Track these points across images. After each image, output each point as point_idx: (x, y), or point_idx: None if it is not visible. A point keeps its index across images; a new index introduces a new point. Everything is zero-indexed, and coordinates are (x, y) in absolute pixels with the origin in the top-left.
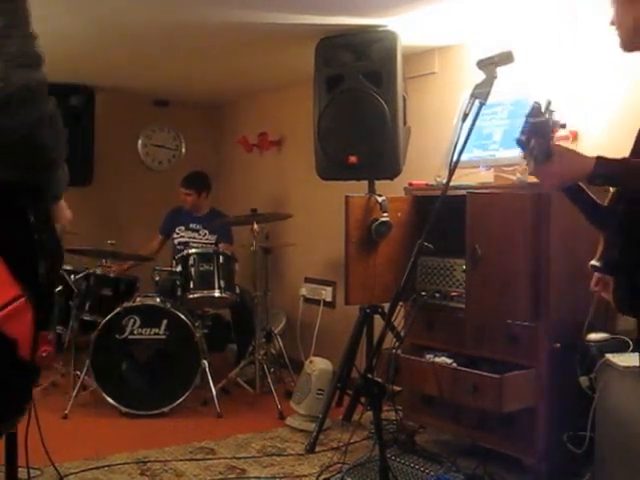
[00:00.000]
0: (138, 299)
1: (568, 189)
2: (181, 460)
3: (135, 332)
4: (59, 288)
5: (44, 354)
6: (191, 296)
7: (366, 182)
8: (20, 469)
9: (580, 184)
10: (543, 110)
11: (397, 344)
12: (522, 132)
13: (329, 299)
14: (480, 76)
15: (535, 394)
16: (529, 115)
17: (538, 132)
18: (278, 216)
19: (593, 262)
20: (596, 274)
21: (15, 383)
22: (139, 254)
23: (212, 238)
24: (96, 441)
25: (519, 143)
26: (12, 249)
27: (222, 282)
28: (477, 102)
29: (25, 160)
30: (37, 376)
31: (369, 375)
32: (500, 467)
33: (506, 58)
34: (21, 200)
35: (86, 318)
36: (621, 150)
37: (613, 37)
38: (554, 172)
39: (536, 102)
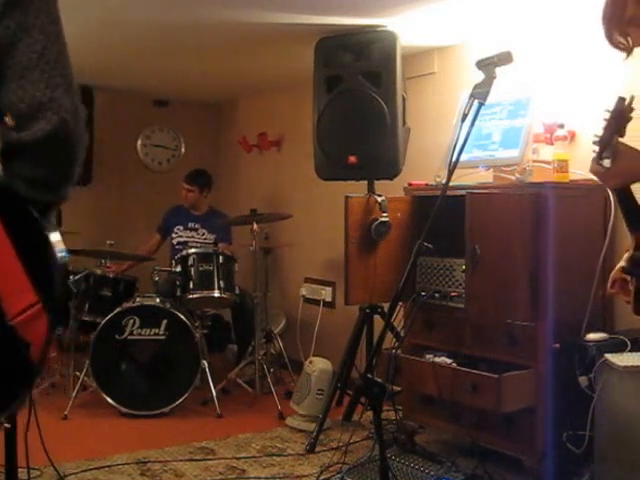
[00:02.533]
0: (138, 299)
1: (620, 189)
2: (181, 460)
3: (135, 332)
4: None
5: (51, 355)
6: (191, 296)
7: (365, 182)
8: (20, 469)
9: (630, 187)
10: (626, 106)
11: (397, 344)
12: (605, 127)
13: (329, 299)
14: (479, 76)
15: (534, 394)
16: (614, 110)
17: (618, 127)
18: (278, 216)
19: (622, 263)
20: (612, 276)
21: (19, 383)
22: (138, 254)
23: (211, 237)
24: (96, 441)
25: (601, 139)
26: (30, 256)
27: (222, 282)
28: (476, 102)
29: (56, 184)
30: (38, 377)
31: (369, 375)
32: (500, 467)
33: (505, 58)
34: (37, 205)
35: (86, 318)
36: None
37: None
38: (618, 172)
39: (621, 97)
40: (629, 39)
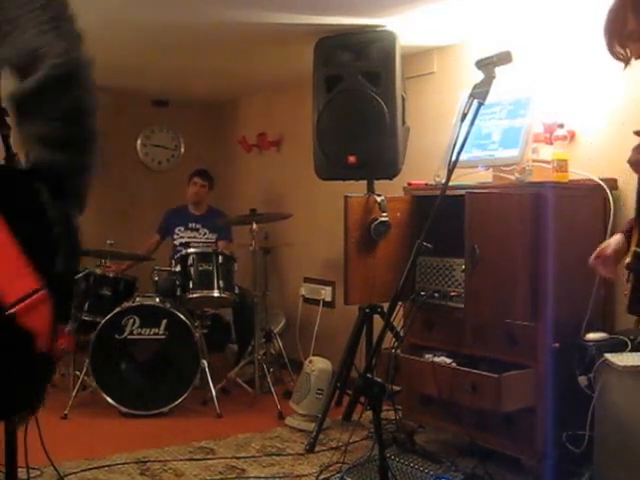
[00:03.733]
0: (137, 299)
1: None
2: (181, 460)
3: (135, 332)
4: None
5: (62, 346)
6: (190, 296)
7: (365, 182)
8: (20, 469)
9: None
10: None
11: (396, 344)
12: None
13: (328, 299)
14: (479, 76)
15: (534, 394)
16: None
17: None
18: (277, 216)
19: (627, 260)
20: (598, 251)
21: (31, 375)
22: (138, 254)
23: (212, 237)
24: (96, 441)
25: None
26: (31, 241)
27: (221, 282)
28: (476, 102)
29: (70, 136)
30: (53, 368)
31: (368, 375)
32: (499, 466)
33: (505, 58)
34: (43, 192)
35: (85, 318)
36: (619, 149)
37: None
38: None
39: None
40: (628, 51)
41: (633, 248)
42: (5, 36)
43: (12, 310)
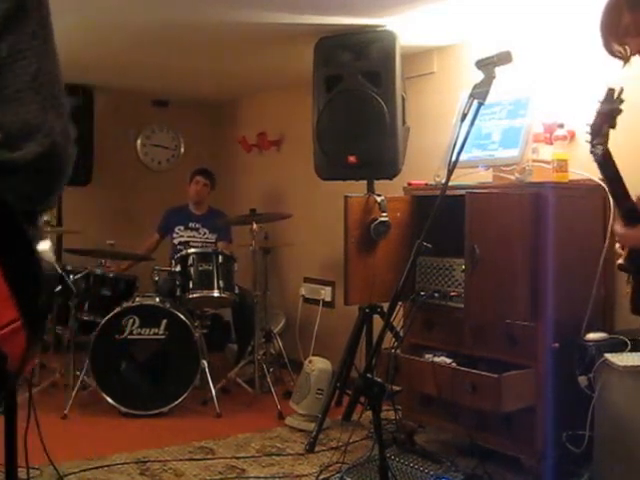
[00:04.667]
0: (137, 299)
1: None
2: (181, 460)
3: (134, 332)
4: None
5: (30, 368)
6: (190, 296)
7: (365, 182)
8: (20, 469)
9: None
10: (615, 97)
11: (396, 344)
12: (595, 117)
13: (328, 299)
14: (479, 76)
15: (534, 394)
16: (603, 101)
17: (609, 118)
18: (277, 216)
19: (620, 261)
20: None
21: None
22: (138, 254)
23: (212, 237)
24: (96, 441)
25: (592, 128)
26: (15, 269)
27: (221, 282)
28: (476, 102)
29: (44, 196)
30: (13, 385)
31: (368, 375)
32: (499, 466)
33: (505, 58)
34: (22, 220)
35: (85, 318)
36: (619, 149)
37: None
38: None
39: (610, 88)
40: (626, 48)
41: (627, 249)
42: (7, 103)
43: None
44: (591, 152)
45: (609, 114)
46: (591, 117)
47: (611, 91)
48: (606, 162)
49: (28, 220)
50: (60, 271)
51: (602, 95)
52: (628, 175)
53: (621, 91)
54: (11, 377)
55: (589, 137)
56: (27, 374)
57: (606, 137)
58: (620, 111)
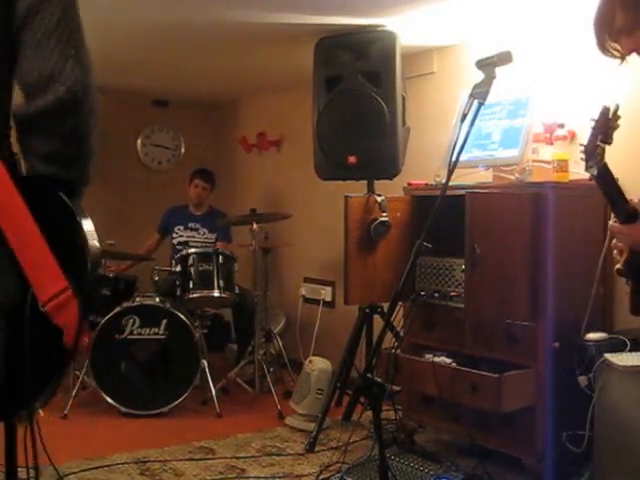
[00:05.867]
0: (137, 299)
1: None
2: (181, 460)
3: (135, 332)
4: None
5: (85, 342)
6: (191, 296)
7: (365, 182)
8: (20, 469)
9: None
10: (611, 115)
11: (396, 344)
12: (590, 137)
13: (329, 299)
14: (479, 76)
15: (534, 393)
16: (598, 119)
17: (605, 136)
18: (277, 216)
19: (618, 266)
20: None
21: (56, 365)
22: (138, 254)
23: (212, 237)
24: (96, 441)
25: (586, 149)
26: (62, 242)
27: (222, 282)
28: (476, 102)
29: (69, 155)
30: (74, 360)
31: (368, 375)
32: (499, 466)
33: (505, 58)
34: (64, 194)
35: None
36: (618, 149)
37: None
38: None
39: (605, 106)
40: (621, 47)
41: (626, 254)
42: (28, 54)
43: (48, 306)
44: (586, 171)
45: (604, 133)
46: (586, 137)
47: (606, 109)
48: (603, 177)
49: (69, 193)
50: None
51: (596, 114)
52: (629, 175)
53: (617, 108)
54: (68, 352)
55: (583, 156)
56: (82, 350)
57: (601, 156)
58: (616, 127)
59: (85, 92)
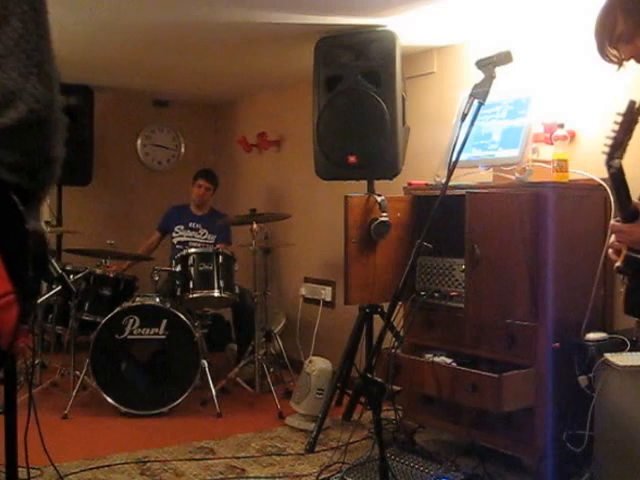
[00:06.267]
0: (138, 299)
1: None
2: (181, 460)
3: (135, 332)
4: (58, 288)
5: (21, 345)
6: (191, 296)
7: (365, 182)
8: (20, 469)
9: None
10: (636, 109)
11: (396, 344)
12: (618, 129)
13: (329, 299)
14: (479, 76)
15: (534, 393)
16: (625, 113)
17: (629, 131)
18: (277, 216)
19: (617, 264)
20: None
21: None
22: (138, 254)
23: (211, 238)
24: (96, 441)
25: (615, 140)
26: (5, 245)
27: (222, 282)
28: (476, 102)
29: (32, 168)
30: (7, 363)
31: (369, 375)
32: (499, 466)
33: (505, 58)
34: (14, 197)
35: (86, 318)
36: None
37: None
38: None
39: (632, 100)
40: (621, 52)
41: (624, 252)
42: None
43: None
44: (608, 164)
45: (629, 127)
46: (612, 129)
47: (632, 103)
48: (620, 174)
49: (23, 200)
50: (52, 257)
51: (624, 107)
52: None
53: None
54: (3, 352)
55: (608, 149)
56: (18, 350)
57: (624, 150)
58: (637, 122)
59: (48, 109)
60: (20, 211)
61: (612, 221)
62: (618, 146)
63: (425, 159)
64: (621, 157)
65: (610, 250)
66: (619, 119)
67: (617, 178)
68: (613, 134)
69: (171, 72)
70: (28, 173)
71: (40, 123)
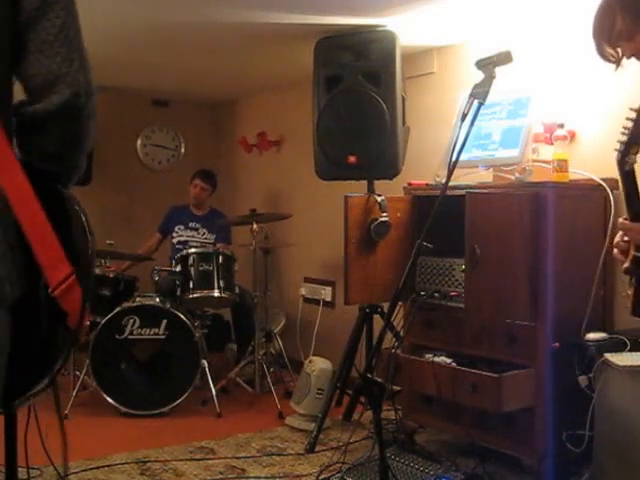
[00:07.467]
0: (138, 299)
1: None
2: (181, 460)
3: (135, 332)
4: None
5: (87, 325)
6: (191, 296)
7: (365, 182)
8: (20, 469)
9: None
10: None
11: (396, 344)
12: (634, 125)
13: (329, 299)
14: (479, 76)
15: (534, 393)
16: (638, 109)
17: None
18: (277, 216)
19: (626, 265)
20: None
21: (60, 348)
22: (138, 254)
23: (211, 238)
24: (96, 441)
25: (631, 136)
26: (62, 230)
27: (222, 282)
28: (476, 102)
29: (68, 155)
30: (77, 345)
31: (369, 375)
32: (499, 466)
33: (505, 58)
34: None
35: None
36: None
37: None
38: None
39: None
40: (618, 50)
41: (632, 252)
42: (33, 54)
43: (57, 291)
44: (622, 161)
45: None
46: (625, 125)
47: None
48: (633, 171)
49: (63, 185)
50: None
51: (638, 103)
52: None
53: None
54: (73, 335)
55: (622, 147)
56: (83, 333)
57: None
58: None
59: (88, 95)
60: (71, 199)
61: (620, 219)
62: (633, 142)
63: (425, 159)
64: (636, 154)
65: (616, 250)
66: (633, 115)
67: (630, 176)
68: (627, 130)
69: (171, 72)
70: (59, 161)
71: (80, 108)
